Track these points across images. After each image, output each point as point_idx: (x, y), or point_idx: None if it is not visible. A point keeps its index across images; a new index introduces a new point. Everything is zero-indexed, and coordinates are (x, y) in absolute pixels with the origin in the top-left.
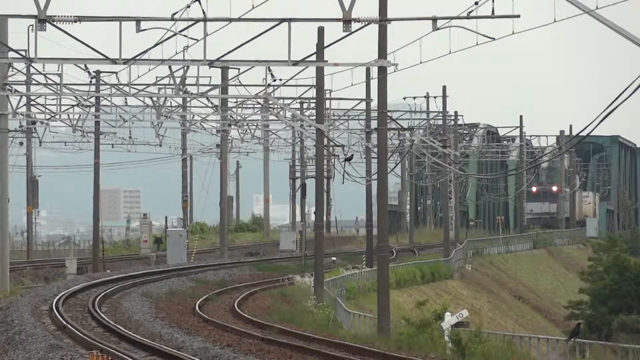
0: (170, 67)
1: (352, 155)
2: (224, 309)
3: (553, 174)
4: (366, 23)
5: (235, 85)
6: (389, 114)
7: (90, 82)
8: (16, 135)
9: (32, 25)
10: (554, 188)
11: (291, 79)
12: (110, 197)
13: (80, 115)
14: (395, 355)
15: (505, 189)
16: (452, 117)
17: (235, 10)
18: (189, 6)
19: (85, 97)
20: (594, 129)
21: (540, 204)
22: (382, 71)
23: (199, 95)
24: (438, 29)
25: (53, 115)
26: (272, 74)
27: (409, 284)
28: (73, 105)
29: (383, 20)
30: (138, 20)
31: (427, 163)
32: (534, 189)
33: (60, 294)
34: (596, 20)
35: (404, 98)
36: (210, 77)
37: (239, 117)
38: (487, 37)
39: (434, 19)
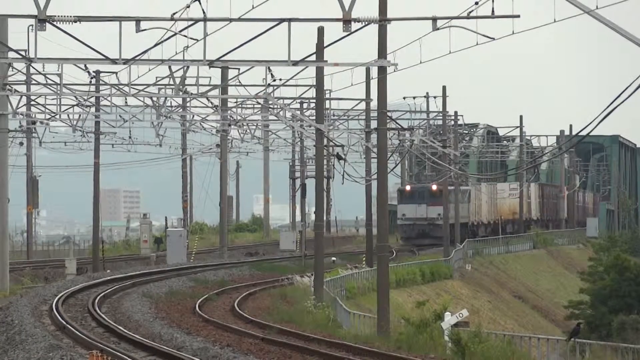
0: (170, 67)
1: (344, 155)
2: (224, 309)
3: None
4: (366, 23)
5: (235, 85)
6: (388, 114)
7: (90, 82)
8: (16, 135)
9: (32, 25)
10: (434, 187)
11: (291, 79)
12: (110, 197)
13: (80, 115)
14: (395, 355)
15: None
16: (452, 117)
17: (235, 10)
18: (188, 6)
19: (85, 97)
20: (594, 129)
21: (415, 206)
22: (382, 71)
23: (198, 95)
24: (438, 29)
25: (53, 115)
26: (272, 74)
27: (409, 284)
28: (73, 105)
29: (383, 20)
30: (138, 20)
31: (427, 163)
32: (407, 187)
33: (60, 294)
34: (596, 20)
35: (404, 98)
36: (210, 77)
37: (239, 117)
38: (487, 37)
39: (434, 19)
